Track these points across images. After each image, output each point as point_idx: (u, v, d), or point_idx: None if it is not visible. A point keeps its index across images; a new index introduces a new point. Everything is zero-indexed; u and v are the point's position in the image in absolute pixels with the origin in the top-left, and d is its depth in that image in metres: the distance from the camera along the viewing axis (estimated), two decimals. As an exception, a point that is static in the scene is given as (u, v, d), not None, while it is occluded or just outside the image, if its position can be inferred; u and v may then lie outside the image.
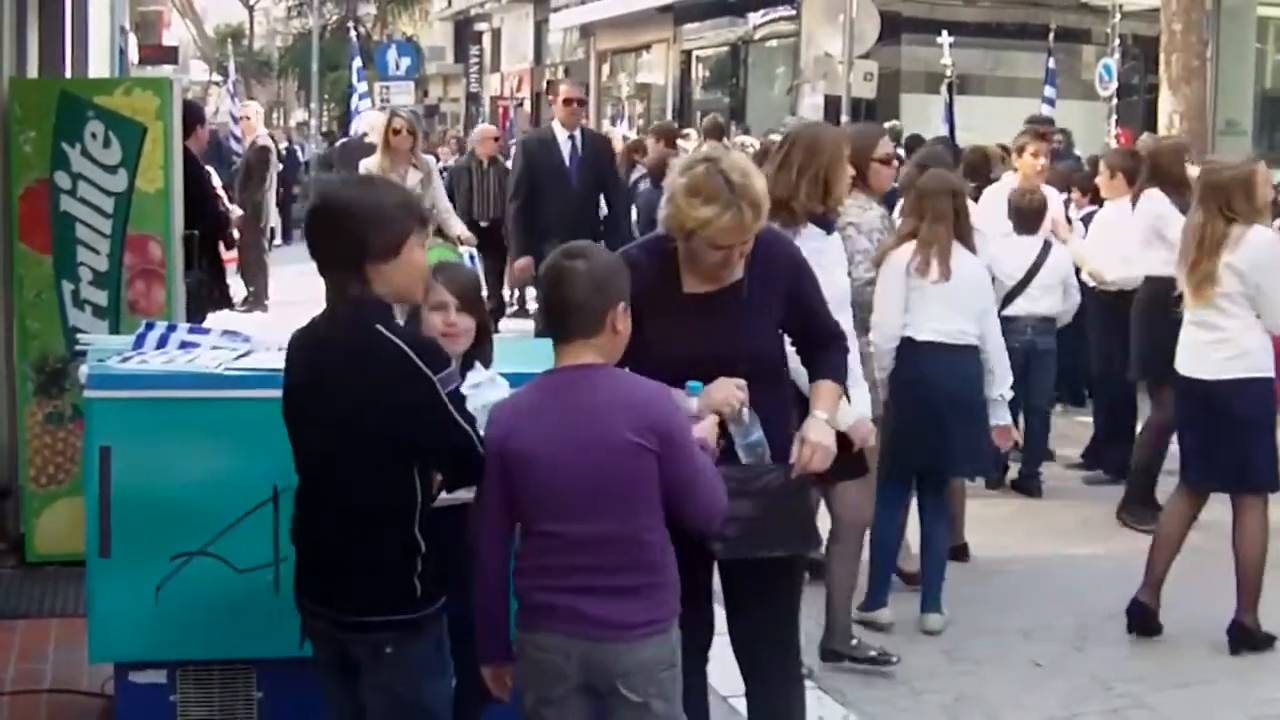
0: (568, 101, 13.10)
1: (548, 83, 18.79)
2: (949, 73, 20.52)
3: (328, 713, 4.63)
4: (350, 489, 4.34)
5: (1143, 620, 7.83)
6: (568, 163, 12.75)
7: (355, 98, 28.51)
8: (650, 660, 4.36)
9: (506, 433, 4.33)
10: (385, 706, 4.44)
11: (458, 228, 12.16)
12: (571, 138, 12.89)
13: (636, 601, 4.34)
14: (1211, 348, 7.53)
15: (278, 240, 25.63)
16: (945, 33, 21.87)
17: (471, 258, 11.46)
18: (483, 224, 16.77)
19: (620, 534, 4.32)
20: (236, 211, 14.20)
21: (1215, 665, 7.54)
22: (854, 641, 7.30)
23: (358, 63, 27.91)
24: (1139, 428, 10.36)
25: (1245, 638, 7.60)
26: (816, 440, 4.99)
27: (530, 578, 4.36)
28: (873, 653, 7.27)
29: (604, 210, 13.14)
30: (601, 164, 13.19)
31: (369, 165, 11.81)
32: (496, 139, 18.82)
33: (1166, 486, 8.23)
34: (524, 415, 4.36)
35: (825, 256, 6.16)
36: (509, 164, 16.49)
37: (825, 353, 5.27)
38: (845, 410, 5.63)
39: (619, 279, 4.44)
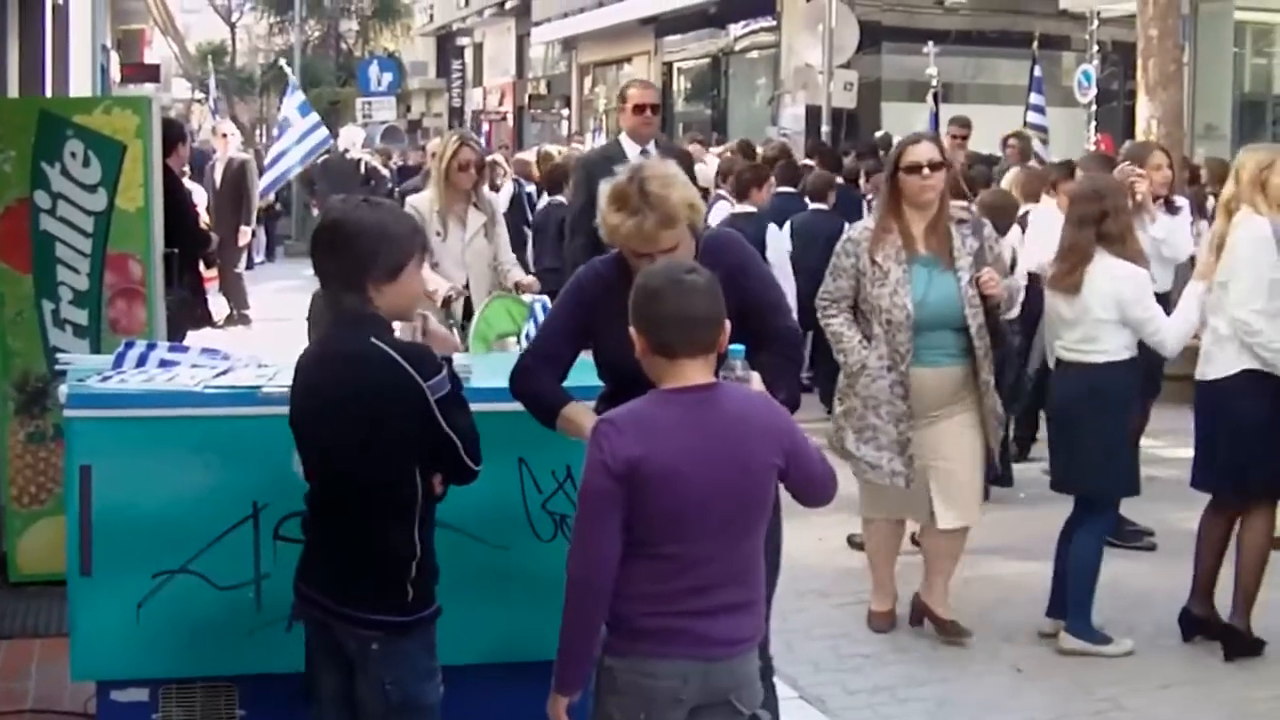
0: (639, 109, 10.38)
1: (622, 91, 10.91)
2: (934, 82, 20.59)
3: (314, 705, 4.69)
4: (348, 491, 4.54)
5: (1193, 629, 7.81)
6: None
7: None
8: (754, 672, 4.40)
9: (642, 454, 4.19)
10: (377, 703, 4.56)
11: (517, 273, 9.70)
12: (644, 153, 9.93)
13: (744, 616, 4.34)
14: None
15: (259, 257, 25.66)
16: (931, 42, 21.94)
17: (544, 308, 8.73)
18: None
19: (738, 552, 4.30)
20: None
21: (1195, 667, 7.58)
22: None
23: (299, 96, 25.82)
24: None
25: (1238, 642, 7.60)
26: None
27: (640, 603, 4.25)
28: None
29: None
30: None
31: (418, 203, 9.42)
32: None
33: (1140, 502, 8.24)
34: (659, 435, 4.23)
35: None
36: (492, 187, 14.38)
37: (769, 354, 5.23)
38: None
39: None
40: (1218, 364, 7.48)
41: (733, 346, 4.54)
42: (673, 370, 4.30)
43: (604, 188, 5.17)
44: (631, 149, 10.00)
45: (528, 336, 8.02)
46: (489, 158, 17.96)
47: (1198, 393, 7.62)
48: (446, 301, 8.96)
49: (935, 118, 20.01)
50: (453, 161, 9.37)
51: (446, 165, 9.38)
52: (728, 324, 4.39)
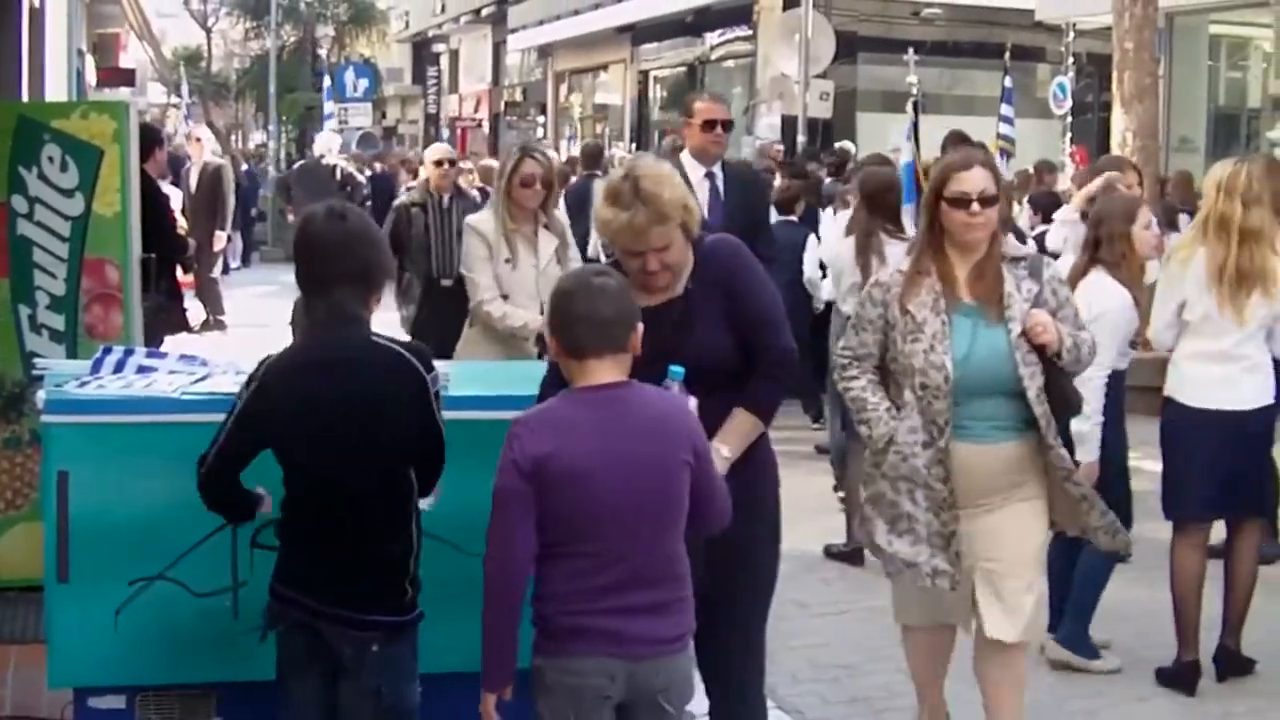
0: (710, 125, 8.97)
1: (688, 104, 9.48)
2: (915, 91, 20.61)
3: (285, 711, 4.69)
4: (347, 490, 4.58)
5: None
6: (707, 211, 8.42)
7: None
8: (685, 672, 4.48)
9: (549, 451, 4.29)
10: (366, 708, 4.56)
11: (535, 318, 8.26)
12: (710, 176, 8.96)
13: (671, 616, 4.42)
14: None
15: (235, 263, 25.61)
16: (911, 50, 21.98)
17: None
18: (445, 283, 10.94)
19: (658, 550, 4.38)
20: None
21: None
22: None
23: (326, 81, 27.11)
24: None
25: (1232, 662, 7.57)
26: None
27: (560, 602, 4.33)
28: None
29: None
30: (753, 213, 9.15)
31: (481, 226, 8.49)
32: (441, 163, 11.88)
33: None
34: (567, 433, 4.34)
35: None
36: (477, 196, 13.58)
37: (754, 374, 5.20)
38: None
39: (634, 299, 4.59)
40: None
41: (673, 368, 4.67)
42: (583, 370, 4.42)
43: (599, 185, 5.22)
44: (695, 170, 8.77)
45: None
46: (463, 164, 17.84)
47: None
48: (541, 338, 7.63)
49: (915, 128, 20.03)
50: (514, 177, 8.35)
51: (508, 182, 8.38)
52: (640, 326, 4.49)
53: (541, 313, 7.81)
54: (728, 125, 9.05)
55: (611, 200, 5.05)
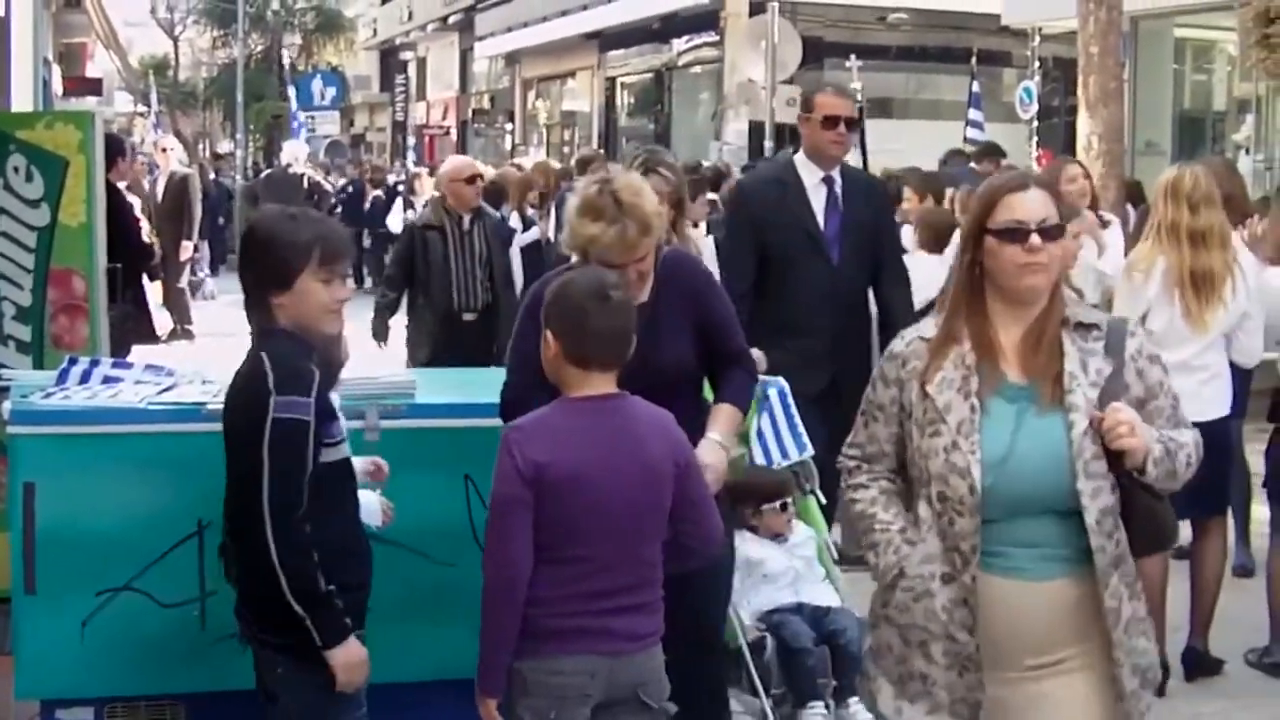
0: (831, 121, 7.56)
1: (807, 97, 7.78)
2: (859, 97, 20.65)
3: None
4: (226, 501, 4.47)
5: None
6: (822, 222, 7.60)
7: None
8: (659, 667, 4.52)
9: (547, 459, 4.33)
10: None
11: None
12: (828, 181, 7.64)
13: (648, 614, 4.48)
14: None
15: (205, 271, 25.56)
16: (854, 56, 22.05)
17: (780, 392, 6.53)
18: (467, 316, 10.12)
19: (641, 557, 4.44)
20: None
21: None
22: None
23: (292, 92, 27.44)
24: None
25: (1201, 662, 7.58)
26: (708, 462, 5.02)
27: (546, 606, 4.36)
28: None
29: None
30: (875, 229, 7.78)
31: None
32: (474, 179, 10.45)
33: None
34: (565, 442, 4.38)
35: None
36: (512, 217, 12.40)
37: (730, 372, 5.37)
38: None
39: None
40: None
41: (766, 380, 4.69)
42: (582, 379, 4.45)
43: (572, 200, 5.17)
44: (810, 174, 7.60)
45: (759, 436, 6.41)
46: (415, 171, 17.59)
47: None
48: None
49: (861, 134, 20.08)
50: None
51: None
52: (634, 336, 4.53)
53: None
54: (851, 123, 7.65)
55: (593, 215, 5.01)
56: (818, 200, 7.60)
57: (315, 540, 4.33)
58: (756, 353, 5.88)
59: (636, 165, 6.53)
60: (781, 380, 6.51)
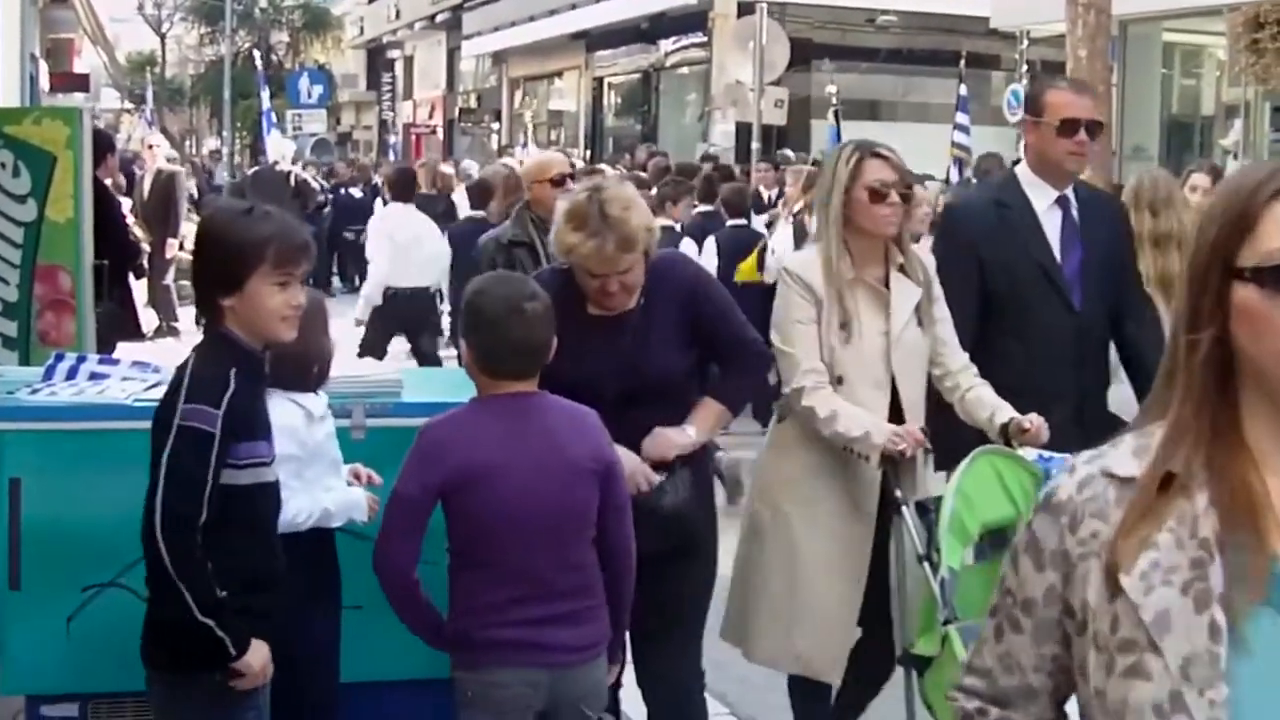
0: (1070, 125, 5.87)
1: (1035, 97, 5.89)
2: (834, 99, 20.66)
3: None
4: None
5: None
6: (1058, 254, 5.99)
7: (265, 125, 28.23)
8: (600, 681, 4.51)
9: (455, 460, 4.32)
10: None
11: (995, 405, 5.53)
12: (1063, 202, 6.02)
13: (587, 625, 4.45)
14: None
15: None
16: (827, 59, 22.08)
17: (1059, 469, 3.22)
18: None
19: (569, 559, 4.40)
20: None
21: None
22: None
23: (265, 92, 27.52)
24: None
25: None
26: (670, 436, 5.03)
27: (474, 616, 4.36)
28: None
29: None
30: (1123, 256, 6.31)
31: (800, 269, 5.51)
32: (564, 179, 7.93)
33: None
34: (479, 442, 4.36)
35: None
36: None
37: (731, 365, 5.31)
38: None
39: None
40: None
41: (1052, 458, 4.69)
42: (499, 386, 4.45)
43: (561, 204, 5.13)
44: (1041, 196, 5.98)
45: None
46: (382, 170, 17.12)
47: None
48: (889, 458, 5.32)
49: (837, 135, 20.11)
50: (854, 187, 5.41)
51: (846, 192, 5.42)
52: (554, 342, 4.48)
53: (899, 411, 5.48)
54: (1094, 128, 5.94)
55: (577, 224, 4.97)
56: (1051, 227, 5.99)
57: (220, 568, 4.09)
58: (1031, 419, 5.20)
59: (851, 153, 5.45)
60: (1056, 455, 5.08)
